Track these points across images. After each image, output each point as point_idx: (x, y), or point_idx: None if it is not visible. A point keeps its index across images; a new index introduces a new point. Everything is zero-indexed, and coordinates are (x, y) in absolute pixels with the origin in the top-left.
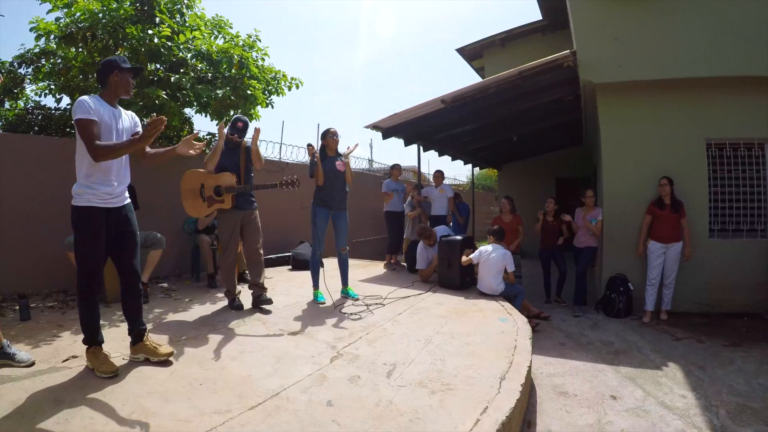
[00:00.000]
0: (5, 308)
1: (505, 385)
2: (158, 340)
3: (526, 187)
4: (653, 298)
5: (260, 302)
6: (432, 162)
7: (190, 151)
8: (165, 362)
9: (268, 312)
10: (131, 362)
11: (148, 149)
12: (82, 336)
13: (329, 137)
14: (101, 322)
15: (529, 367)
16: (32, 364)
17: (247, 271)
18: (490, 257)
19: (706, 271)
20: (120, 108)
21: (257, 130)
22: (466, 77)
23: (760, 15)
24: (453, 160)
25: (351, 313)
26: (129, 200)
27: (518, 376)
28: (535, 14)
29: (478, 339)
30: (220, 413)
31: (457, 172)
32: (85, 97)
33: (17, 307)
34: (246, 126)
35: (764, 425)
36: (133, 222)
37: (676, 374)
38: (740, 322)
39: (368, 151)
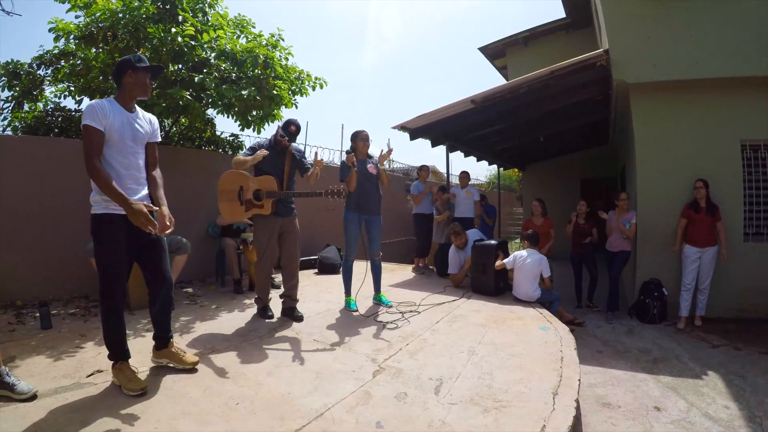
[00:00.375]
0: (25, 315)
1: (559, 402)
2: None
3: (550, 187)
4: (688, 303)
5: (292, 316)
6: (455, 163)
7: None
8: (191, 370)
9: (299, 320)
10: (159, 376)
11: (151, 167)
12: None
13: (359, 141)
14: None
15: (579, 380)
16: (34, 396)
17: (277, 278)
18: (525, 263)
19: (741, 276)
20: (139, 110)
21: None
22: (485, 77)
23: None
24: (478, 160)
25: (387, 322)
26: (149, 201)
27: (571, 391)
28: (556, 12)
29: (522, 350)
30: None
31: (477, 172)
32: (96, 102)
33: (38, 314)
34: (299, 130)
35: None
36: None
37: (717, 383)
38: None
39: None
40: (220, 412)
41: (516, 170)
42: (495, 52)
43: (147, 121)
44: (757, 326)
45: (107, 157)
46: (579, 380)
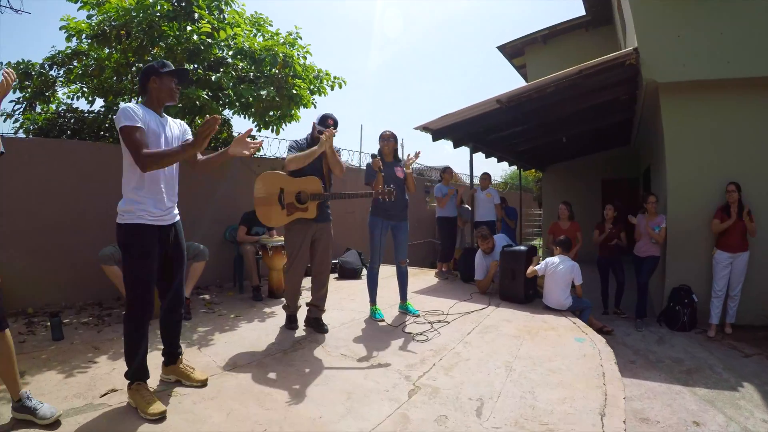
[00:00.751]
0: (37, 324)
1: (608, 423)
2: (205, 368)
3: (571, 188)
4: (719, 311)
5: (317, 327)
6: (461, 162)
7: (244, 151)
8: (201, 385)
9: (325, 332)
10: (178, 396)
11: (198, 155)
12: (120, 361)
13: (381, 142)
14: None
15: (625, 398)
16: (57, 421)
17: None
18: (558, 270)
19: None
20: (167, 116)
21: (329, 133)
22: (503, 77)
23: None
24: (499, 161)
25: (416, 333)
26: (178, 217)
27: (618, 411)
28: (574, 11)
29: (560, 364)
30: None
31: (492, 173)
32: (128, 104)
33: (49, 323)
34: (336, 124)
35: None
36: (183, 241)
37: (753, 396)
38: None
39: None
40: None
41: (532, 171)
42: (514, 51)
43: (178, 124)
44: None
45: None
46: (624, 398)
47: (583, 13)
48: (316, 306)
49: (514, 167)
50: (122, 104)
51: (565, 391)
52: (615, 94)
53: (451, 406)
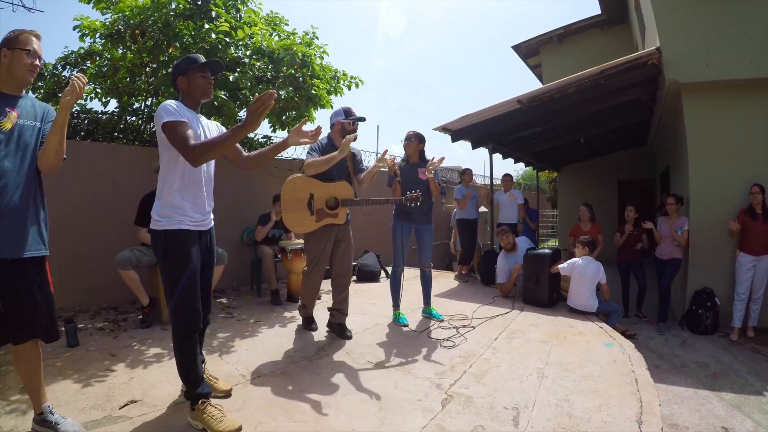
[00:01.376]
0: None
1: (646, 431)
2: (228, 377)
3: (587, 189)
4: (741, 314)
5: (341, 333)
6: (474, 164)
7: (304, 139)
8: (225, 395)
9: (349, 338)
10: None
11: (243, 152)
12: (138, 369)
13: (404, 142)
14: (158, 350)
15: (660, 405)
16: None
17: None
18: (585, 271)
19: None
20: (202, 117)
21: (349, 139)
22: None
23: None
24: (516, 162)
25: (442, 339)
26: (213, 222)
27: (655, 419)
28: (588, 10)
29: (593, 371)
30: None
31: (502, 172)
32: (168, 101)
33: (63, 329)
34: (362, 120)
35: None
36: (215, 247)
37: None
38: None
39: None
40: None
41: (545, 171)
42: (528, 51)
43: (215, 125)
44: None
45: (180, 163)
46: (659, 405)
47: (599, 12)
48: (339, 310)
49: (528, 168)
50: (162, 102)
51: (599, 399)
52: (636, 95)
53: (487, 416)
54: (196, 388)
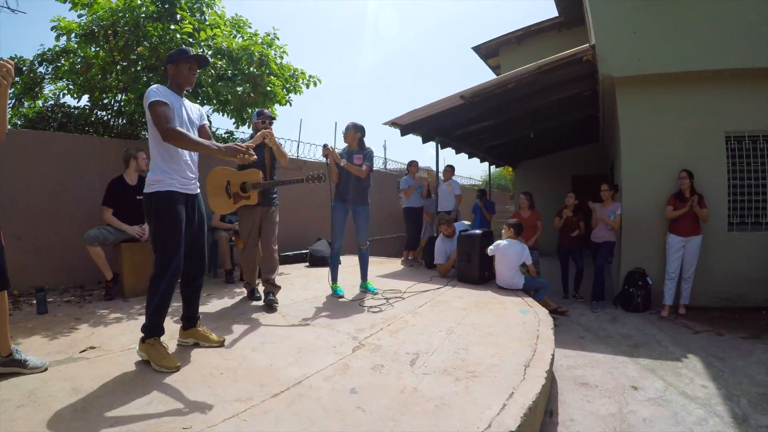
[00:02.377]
0: (22, 302)
1: (530, 372)
2: (174, 333)
3: (543, 184)
4: (672, 292)
5: (267, 302)
6: (448, 161)
7: (234, 159)
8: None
9: (274, 310)
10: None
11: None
12: (99, 327)
13: (344, 132)
14: (118, 315)
15: (553, 354)
16: (46, 369)
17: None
18: (507, 252)
19: (725, 265)
20: (186, 100)
21: (269, 132)
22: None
23: None
24: (470, 157)
25: (371, 306)
26: (199, 190)
27: (543, 364)
28: (547, 12)
29: (500, 329)
30: (242, 401)
31: (473, 171)
32: (153, 86)
33: (34, 302)
34: (272, 121)
35: None
36: (204, 213)
37: (696, 365)
38: (760, 316)
39: (383, 151)
40: (204, 380)
41: (510, 170)
42: (488, 52)
43: (197, 109)
44: (742, 314)
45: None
46: (552, 354)
47: (557, 14)
48: (267, 281)
49: (500, 168)
50: (151, 86)
51: (497, 349)
52: (576, 90)
53: (389, 358)
54: (155, 328)
